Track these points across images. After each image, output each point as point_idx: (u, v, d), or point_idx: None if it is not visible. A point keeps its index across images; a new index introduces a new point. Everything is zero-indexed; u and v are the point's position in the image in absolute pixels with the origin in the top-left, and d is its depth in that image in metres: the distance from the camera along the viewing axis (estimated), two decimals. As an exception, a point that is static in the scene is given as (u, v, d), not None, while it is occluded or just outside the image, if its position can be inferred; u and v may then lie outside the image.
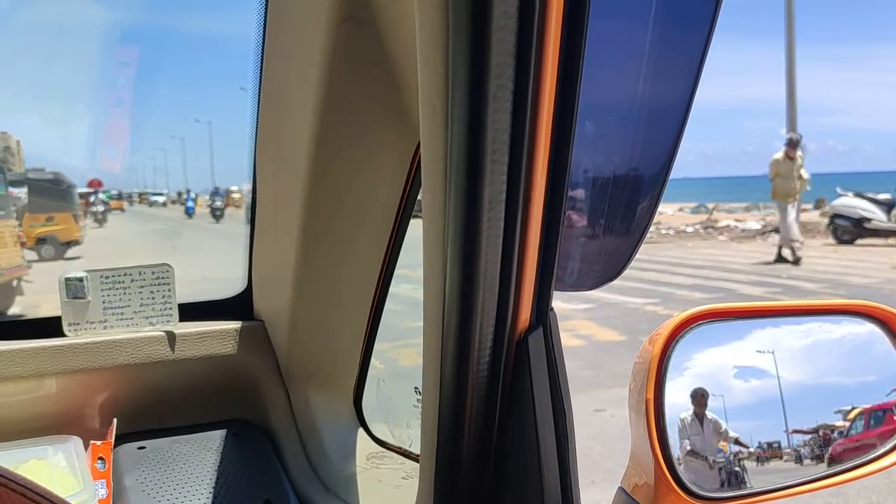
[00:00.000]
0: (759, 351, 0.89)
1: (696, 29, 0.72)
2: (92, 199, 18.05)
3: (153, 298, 1.30)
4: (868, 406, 0.89)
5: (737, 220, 19.65)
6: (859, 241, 14.23)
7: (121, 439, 1.26)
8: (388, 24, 0.97)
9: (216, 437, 1.32)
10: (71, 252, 10.92)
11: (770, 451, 0.86)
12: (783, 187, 11.92)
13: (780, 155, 12.09)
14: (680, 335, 0.81)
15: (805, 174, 12.12)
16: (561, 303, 0.75)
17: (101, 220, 18.74)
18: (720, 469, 0.83)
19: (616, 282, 0.83)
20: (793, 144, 12.02)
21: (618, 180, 0.80)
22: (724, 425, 0.84)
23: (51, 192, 10.99)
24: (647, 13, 0.72)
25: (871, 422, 0.89)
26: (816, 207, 22.03)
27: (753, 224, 18.42)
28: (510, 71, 0.63)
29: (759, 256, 12.99)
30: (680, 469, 0.78)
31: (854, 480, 0.86)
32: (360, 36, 0.99)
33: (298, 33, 1.08)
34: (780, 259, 12.20)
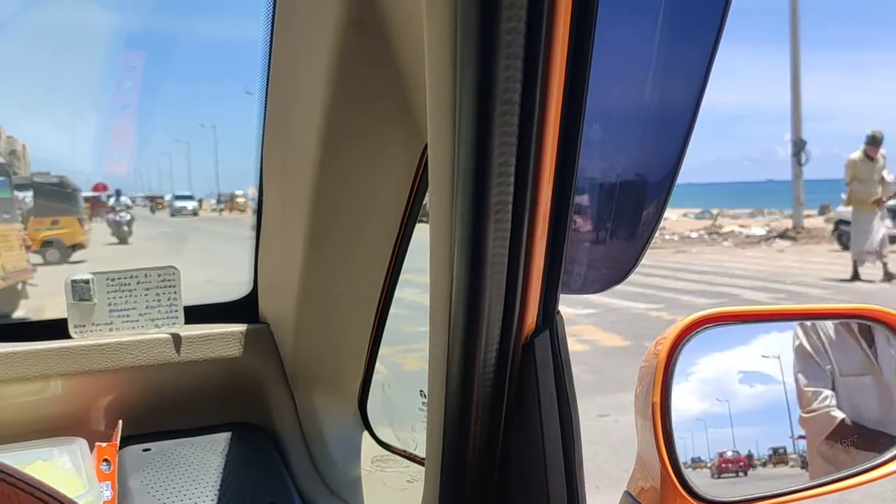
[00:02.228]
0: (764, 356, 0.89)
1: (703, 33, 0.72)
2: (112, 202, 14.41)
3: (159, 301, 1.30)
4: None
5: (741, 226, 19.62)
6: (865, 247, 14.11)
7: (126, 441, 1.26)
8: (395, 26, 0.97)
9: (221, 439, 1.32)
10: (75, 256, 10.94)
11: (776, 457, 0.86)
12: (861, 192, 10.27)
13: (858, 155, 10.34)
14: (686, 339, 0.81)
15: (889, 177, 10.42)
16: (565, 308, 0.75)
17: (125, 234, 13.89)
18: None
19: (620, 287, 0.83)
20: (875, 143, 10.22)
21: (624, 185, 0.80)
22: None
23: (56, 195, 11.02)
24: (654, 17, 0.72)
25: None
26: (821, 213, 21.99)
27: (758, 230, 18.39)
28: (518, 74, 0.63)
29: (823, 269, 11.16)
30: (687, 472, 0.78)
31: (860, 486, 0.86)
32: (367, 39, 0.99)
33: (306, 36, 1.08)
34: (856, 276, 10.32)
